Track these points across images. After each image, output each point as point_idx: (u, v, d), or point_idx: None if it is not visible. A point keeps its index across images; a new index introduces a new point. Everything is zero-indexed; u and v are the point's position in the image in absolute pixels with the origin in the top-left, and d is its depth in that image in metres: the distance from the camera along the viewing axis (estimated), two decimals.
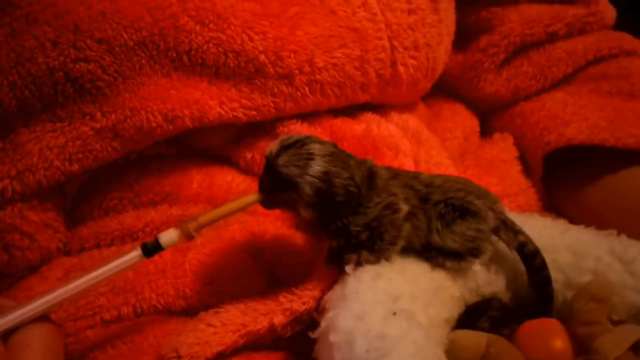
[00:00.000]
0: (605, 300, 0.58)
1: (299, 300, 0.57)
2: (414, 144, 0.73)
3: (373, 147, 0.70)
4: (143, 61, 0.63)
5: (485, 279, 0.61)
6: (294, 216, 0.66)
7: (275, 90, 0.66)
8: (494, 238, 0.61)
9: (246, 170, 0.70)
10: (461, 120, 0.88)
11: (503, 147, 0.84)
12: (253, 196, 0.56)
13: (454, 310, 0.59)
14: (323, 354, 0.53)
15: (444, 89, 0.89)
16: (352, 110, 0.73)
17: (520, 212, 0.72)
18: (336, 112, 0.72)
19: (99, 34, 0.62)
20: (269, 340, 0.59)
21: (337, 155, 0.55)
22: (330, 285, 0.57)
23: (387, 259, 0.57)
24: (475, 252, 0.60)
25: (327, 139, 0.67)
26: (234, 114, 0.66)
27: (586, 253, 0.62)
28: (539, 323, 0.59)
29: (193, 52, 0.64)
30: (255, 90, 0.66)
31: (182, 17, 0.63)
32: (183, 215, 0.66)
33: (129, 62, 0.63)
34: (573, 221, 0.67)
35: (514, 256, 0.61)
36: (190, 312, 0.62)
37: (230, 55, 0.64)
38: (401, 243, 0.58)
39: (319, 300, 0.57)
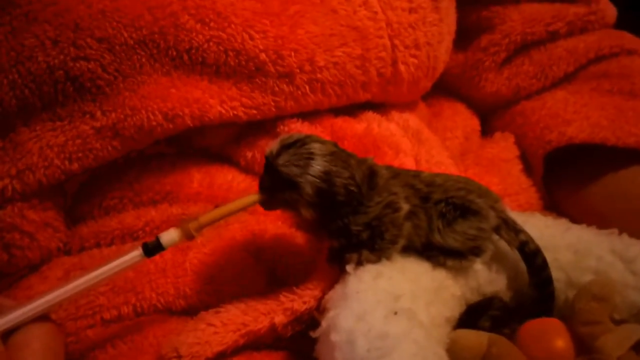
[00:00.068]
0: (607, 299, 0.57)
1: (300, 299, 0.57)
2: (415, 143, 0.73)
3: (374, 146, 0.69)
4: (143, 60, 0.63)
5: (486, 278, 0.61)
6: (295, 216, 0.66)
7: (276, 89, 0.66)
8: (495, 237, 0.61)
9: (246, 169, 0.70)
10: (462, 120, 0.87)
11: (504, 146, 0.84)
12: (254, 196, 0.56)
13: (455, 310, 0.59)
14: (324, 354, 0.53)
15: (445, 88, 0.89)
16: (352, 109, 0.73)
17: (521, 212, 0.72)
18: (337, 111, 0.72)
19: (99, 32, 0.62)
20: (270, 339, 0.59)
21: (337, 154, 0.55)
22: (331, 285, 0.57)
23: (388, 258, 0.57)
24: (476, 251, 0.60)
25: (327, 138, 0.67)
26: (235, 112, 0.65)
27: (587, 252, 0.62)
28: (541, 322, 0.59)
29: (193, 51, 0.64)
30: (255, 89, 0.66)
31: (182, 15, 0.63)
32: (183, 214, 0.66)
33: (129, 61, 0.63)
34: (574, 220, 0.67)
35: (515, 255, 0.61)
36: (190, 311, 0.62)
37: (230, 53, 0.64)
38: (402, 242, 0.58)
39: (319, 300, 0.57)
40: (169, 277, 0.63)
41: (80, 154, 0.64)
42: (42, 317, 0.52)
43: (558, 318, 0.59)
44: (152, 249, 0.54)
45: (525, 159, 0.84)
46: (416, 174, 0.60)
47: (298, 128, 0.68)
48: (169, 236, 0.54)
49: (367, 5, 0.69)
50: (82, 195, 0.69)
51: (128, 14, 0.62)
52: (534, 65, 0.86)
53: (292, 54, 0.65)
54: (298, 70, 0.66)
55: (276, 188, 0.55)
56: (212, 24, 0.63)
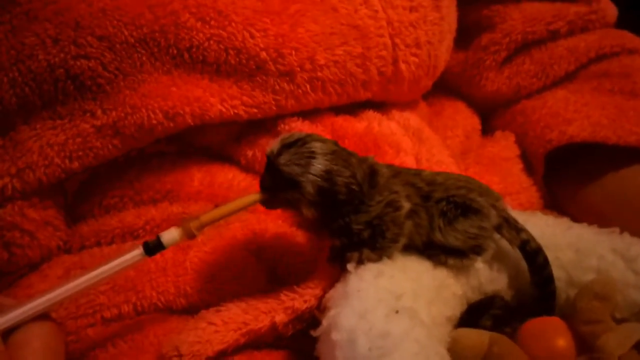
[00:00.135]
0: (608, 298, 0.57)
1: (301, 298, 0.57)
2: (415, 142, 0.73)
3: (374, 145, 0.69)
4: (144, 58, 0.63)
5: (487, 277, 0.61)
6: (296, 215, 0.66)
7: (277, 87, 0.66)
8: (497, 236, 0.61)
9: (247, 168, 0.70)
10: (462, 119, 0.87)
11: (504, 145, 0.84)
12: (255, 195, 0.56)
13: (456, 309, 0.59)
14: (325, 353, 0.52)
15: (446, 87, 0.89)
16: (353, 108, 0.73)
17: (522, 210, 0.72)
18: (337, 110, 0.72)
19: (100, 31, 0.62)
20: (271, 338, 0.59)
21: (338, 153, 0.55)
22: (332, 284, 0.57)
23: (389, 257, 0.57)
24: (477, 250, 0.59)
25: (328, 136, 0.67)
26: (235, 111, 0.65)
27: (589, 251, 0.62)
28: (542, 321, 0.59)
29: (194, 49, 0.63)
30: (256, 87, 0.66)
31: (183, 14, 0.63)
32: (184, 213, 0.66)
33: (129, 59, 0.63)
34: (575, 219, 0.67)
35: (516, 254, 0.61)
36: (191, 310, 0.62)
37: (231, 52, 0.64)
38: (403, 241, 0.58)
39: (320, 299, 0.57)
40: (170, 275, 0.63)
41: (80, 153, 0.64)
42: (43, 316, 0.52)
43: (559, 317, 0.59)
44: (153, 248, 0.54)
45: (525, 157, 0.84)
46: (417, 173, 0.60)
47: (299, 127, 0.68)
48: (169, 235, 0.54)
49: (367, 4, 0.69)
50: (83, 194, 0.69)
51: (128, 13, 0.62)
52: (535, 64, 0.86)
53: (293, 52, 0.65)
54: (299, 69, 0.66)
55: (277, 187, 0.54)
56: (212, 23, 0.63)
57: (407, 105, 0.78)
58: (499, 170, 0.81)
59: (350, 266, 0.56)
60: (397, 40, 0.71)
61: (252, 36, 0.64)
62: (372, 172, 0.57)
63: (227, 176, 0.69)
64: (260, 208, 0.64)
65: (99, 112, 0.64)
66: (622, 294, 0.59)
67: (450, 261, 0.59)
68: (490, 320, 0.59)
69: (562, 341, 0.56)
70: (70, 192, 0.70)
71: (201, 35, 0.63)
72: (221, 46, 0.64)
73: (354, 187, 0.54)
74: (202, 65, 0.64)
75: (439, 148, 0.75)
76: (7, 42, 0.63)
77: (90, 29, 0.62)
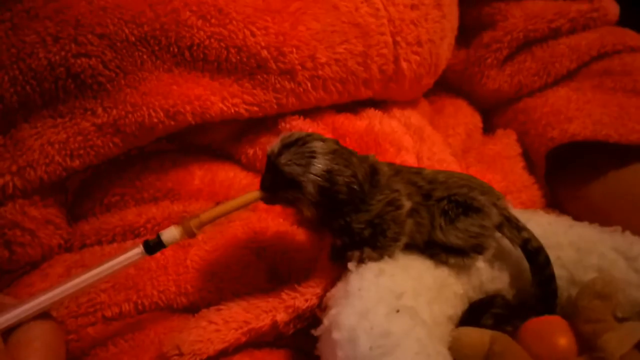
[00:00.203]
0: (610, 297, 0.57)
1: (302, 297, 0.57)
2: (417, 141, 0.73)
3: (375, 143, 0.69)
4: (144, 56, 0.63)
5: (488, 276, 0.61)
6: (296, 213, 0.66)
7: (278, 85, 0.66)
8: (498, 235, 0.60)
9: (248, 166, 0.70)
10: (464, 117, 0.87)
11: (506, 144, 0.84)
12: (255, 193, 0.56)
13: (457, 308, 0.59)
14: (326, 352, 0.52)
15: (447, 85, 0.89)
16: (354, 106, 0.72)
17: (524, 209, 0.72)
18: (339, 108, 0.72)
19: (100, 29, 0.62)
20: (272, 337, 0.59)
21: (339, 152, 0.54)
22: (332, 283, 0.57)
23: (390, 256, 0.57)
24: (478, 249, 0.59)
25: (329, 135, 0.67)
26: (236, 109, 0.65)
27: (590, 250, 0.62)
28: (543, 320, 0.58)
29: (195, 48, 0.63)
30: (257, 85, 0.65)
31: (183, 12, 0.63)
32: (184, 212, 0.66)
33: (130, 58, 0.62)
34: (577, 218, 0.67)
35: (517, 253, 0.61)
36: (192, 309, 0.62)
37: (232, 50, 0.64)
38: (404, 240, 0.58)
39: (321, 298, 0.57)
40: (171, 274, 0.63)
41: (81, 151, 0.64)
42: (43, 315, 0.52)
43: (561, 316, 0.59)
44: (153, 246, 0.54)
45: (527, 156, 0.84)
46: (418, 171, 0.60)
47: (300, 125, 0.68)
48: (170, 234, 0.54)
49: (369, 2, 0.69)
50: (84, 192, 0.69)
51: (129, 11, 0.62)
52: (536, 63, 0.85)
53: (294, 50, 0.65)
54: (299, 67, 0.66)
55: (278, 187, 0.54)
56: (213, 21, 0.63)
57: (408, 103, 0.78)
58: (501, 168, 0.81)
59: (351, 265, 0.56)
60: (399, 38, 0.71)
61: (252, 34, 0.64)
62: (373, 171, 0.56)
63: (228, 174, 0.69)
64: (261, 206, 0.65)
65: (100, 110, 0.63)
66: (623, 293, 0.59)
67: (452, 260, 0.59)
68: (492, 319, 0.59)
69: (564, 340, 0.56)
70: (71, 190, 0.69)
71: (202, 33, 0.63)
72: (222, 44, 0.63)
73: (354, 186, 0.54)
74: (203, 64, 0.64)
75: (440, 146, 0.75)
76: (7, 41, 0.63)
77: (91, 27, 0.62)
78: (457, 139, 0.83)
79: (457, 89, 0.90)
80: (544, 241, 0.60)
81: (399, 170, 0.59)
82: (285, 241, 0.64)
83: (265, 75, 0.65)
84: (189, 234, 0.54)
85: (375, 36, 0.69)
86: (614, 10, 0.88)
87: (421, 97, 0.83)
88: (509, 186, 0.79)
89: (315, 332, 0.54)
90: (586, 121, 0.78)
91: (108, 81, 0.63)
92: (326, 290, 0.57)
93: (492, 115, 0.90)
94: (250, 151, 0.69)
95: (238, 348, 0.58)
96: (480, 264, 0.61)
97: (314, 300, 0.57)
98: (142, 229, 0.66)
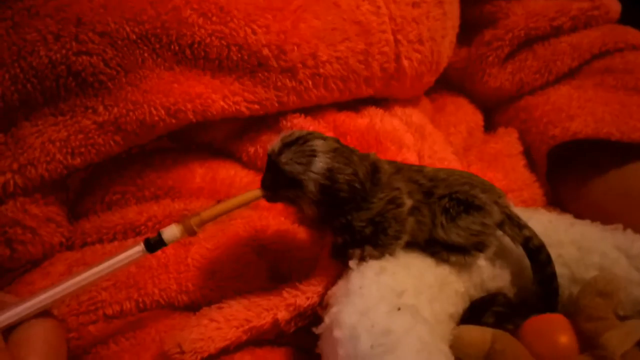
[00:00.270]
0: (611, 295, 0.57)
1: (303, 295, 0.57)
2: (418, 139, 0.72)
3: (376, 141, 0.69)
4: (145, 54, 0.63)
5: (490, 274, 0.61)
6: (297, 212, 0.66)
7: (279, 83, 0.66)
8: (499, 233, 0.60)
9: (249, 165, 0.70)
10: (465, 115, 0.87)
11: (507, 142, 0.84)
12: (256, 192, 0.55)
13: (458, 306, 0.59)
14: (327, 350, 0.52)
15: (448, 83, 0.89)
16: (355, 105, 0.72)
17: (525, 207, 0.72)
18: (340, 106, 0.71)
19: (101, 27, 0.62)
20: (273, 335, 0.59)
21: (340, 150, 0.54)
22: (334, 281, 0.57)
23: (391, 254, 0.57)
24: (480, 247, 0.59)
25: (330, 133, 0.67)
26: (237, 107, 0.65)
27: (592, 248, 0.62)
28: (545, 318, 0.58)
29: (196, 46, 0.63)
30: (258, 83, 0.65)
31: (184, 10, 0.63)
32: (185, 210, 0.66)
33: (131, 56, 0.62)
34: (578, 216, 0.67)
35: (519, 251, 0.61)
36: (193, 307, 0.62)
37: (233, 48, 0.64)
38: (405, 238, 0.57)
39: (322, 296, 0.57)
40: (172, 272, 0.63)
41: (82, 149, 0.64)
42: (44, 313, 0.52)
43: (562, 314, 0.59)
44: (154, 244, 0.54)
45: (528, 154, 0.83)
46: (419, 169, 0.60)
47: (301, 123, 0.68)
48: (170, 232, 0.54)
49: (370, 0, 0.69)
50: (85, 190, 0.69)
51: (130, 9, 0.62)
52: (538, 61, 0.85)
53: (295, 48, 0.65)
54: (301, 65, 0.66)
55: (279, 186, 0.54)
56: (214, 19, 0.63)
57: (409, 101, 0.78)
58: (502, 166, 0.81)
59: (352, 263, 0.56)
60: (400, 37, 0.71)
61: (254, 32, 0.64)
62: (374, 169, 0.56)
63: (229, 173, 0.69)
64: (263, 205, 0.65)
65: (101, 108, 0.63)
66: (625, 291, 0.59)
67: (453, 258, 0.59)
68: (493, 318, 0.59)
69: (565, 338, 0.56)
70: (72, 188, 0.69)
71: (203, 31, 0.63)
72: (223, 42, 0.63)
73: (355, 184, 0.54)
74: (204, 62, 0.64)
75: (442, 144, 0.75)
76: (8, 39, 0.63)
77: (92, 25, 0.62)
78: (458, 137, 0.83)
79: (458, 87, 0.90)
80: (545, 239, 0.60)
81: (400, 168, 0.59)
82: (287, 239, 0.64)
83: (266, 73, 0.65)
84: (190, 232, 0.54)
85: (377, 34, 0.69)
86: (615, 8, 0.88)
87: (422, 95, 0.83)
88: (510, 184, 0.79)
89: (317, 330, 0.54)
90: (588, 119, 0.78)
91: (109, 79, 0.63)
92: (327, 288, 0.57)
93: (493, 113, 0.90)
94: (251, 149, 0.69)
95: (239, 346, 0.58)
96: (482, 262, 0.61)
97: (315, 299, 0.57)
98: (143, 227, 0.66)
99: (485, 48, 0.86)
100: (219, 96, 0.64)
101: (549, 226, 0.63)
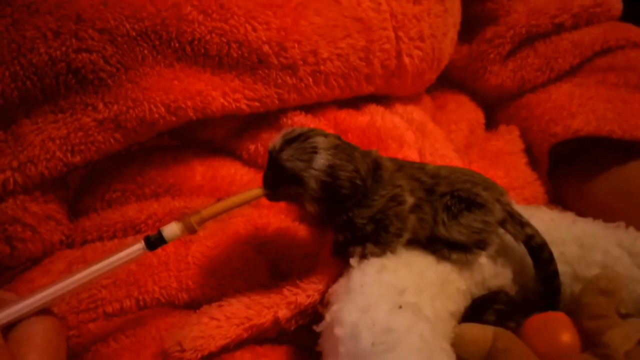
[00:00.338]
0: (614, 293, 0.57)
1: (304, 293, 0.57)
2: (419, 136, 0.72)
3: (377, 138, 0.69)
4: (145, 52, 0.63)
5: (491, 272, 0.61)
6: (299, 209, 0.66)
7: (279, 81, 0.65)
8: (501, 230, 0.60)
9: (249, 162, 0.69)
10: (466, 112, 0.87)
11: (509, 140, 0.84)
12: (256, 190, 0.55)
13: (460, 304, 0.59)
14: (328, 348, 0.52)
15: (449, 81, 0.89)
16: (356, 102, 0.72)
17: (527, 205, 0.72)
18: (340, 104, 0.71)
19: (101, 24, 0.61)
20: (273, 333, 0.59)
21: (341, 147, 0.54)
22: (334, 279, 0.57)
23: (393, 252, 0.57)
24: (481, 245, 0.59)
25: (331, 130, 0.66)
26: (237, 105, 0.65)
27: (594, 246, 0.61)
28: (546, 317, 0.58)
29: (196, 42, 0.63)
30: (258, 81, 0.65)
31: (185, 6, 0.62)
32: (186, 207, 0.66)
33: (131, 53, 0.62)
34: (580, 214, 0.67)
35: (520, 249, 0.61)
36: (193, 305, 0.62)
37: (233, 45, 0.64)
38: (406, 235, 0.57)
39: (323, 294, 0.57)
40: (172, 270, 0.63)
41: (82, 147, 0.64)
42: (44, 311, 0.52)
43: (564, 312, 0.59)
44: (154, 242, 0.54)
45: (530, 152, 0.83)
46: (421, 167, 0.60)
47: (301, 121, 0.68)
48: (171, 229, 0.54)
49: None
50: (85, 188, 0.69)
51: (130, 5, 0.62)
52: (539, 58, 0.85)
53: (295, 45, 0.65)
54: (301, 62, 0.65)
55: (280, 183, 0.54)
56: (214, 15, 0.63)
57: (410, 99, 0.78)
58: (503, 164, 0.81)
59: (353, 261, 0.55)
60: (401, 34, 0.71)
61: (254, 29, 0.64)
62: (376, 166, 0.56)
63: (230, 170, 0.68)
64: (263, 203, 0.64)
65: (101, 105, 0.63)
66: (627, 289, 0.59)
67: (454, 256, 0.59)
68: (494, 316, 0.59)
69: (567, 336, 0.56)
70: (72, 186, 0.69)
71: (203, 28, 0.63)
72: (223, 39, 0.63)
73: (357, 181, 0.54)
74: (204, 59, 0.64)
75: (443, 142, 0.75)
76: (8, 36, 0.62)
77: (92, 22, 0.61)
78: (460, 134, 0.83)
79: (459, 84, 0.90)
80: (547, 237, 0.60)
81: (401, 166, 0.59)
82: (287, 237, 0.64)
83: (266, 71, 0.65)
84: (190, 230, 0.54)
85: (378, 31, 0.69)
86: (617, 5, 0.88)
87: (423, 92, 0.83)
88: (512, 182, 0.79)
89: (317, 328, 0.54)
90: (589, 117, 0.77)
91: (109, 76, 0.63)
92: (328, 286, 0.57)
93: (494, 111, 0.90)
94: (252, 147, 0.69)
95: (240, 344, 0.58)
96: (483, 259, 0.60)
97: (316, 296, 0.57)
98: (143, 224, 0.66)
99: (486, 45, 0.86)
100: (219, 93, 0.64)
101: (551, 224, 0.63)
